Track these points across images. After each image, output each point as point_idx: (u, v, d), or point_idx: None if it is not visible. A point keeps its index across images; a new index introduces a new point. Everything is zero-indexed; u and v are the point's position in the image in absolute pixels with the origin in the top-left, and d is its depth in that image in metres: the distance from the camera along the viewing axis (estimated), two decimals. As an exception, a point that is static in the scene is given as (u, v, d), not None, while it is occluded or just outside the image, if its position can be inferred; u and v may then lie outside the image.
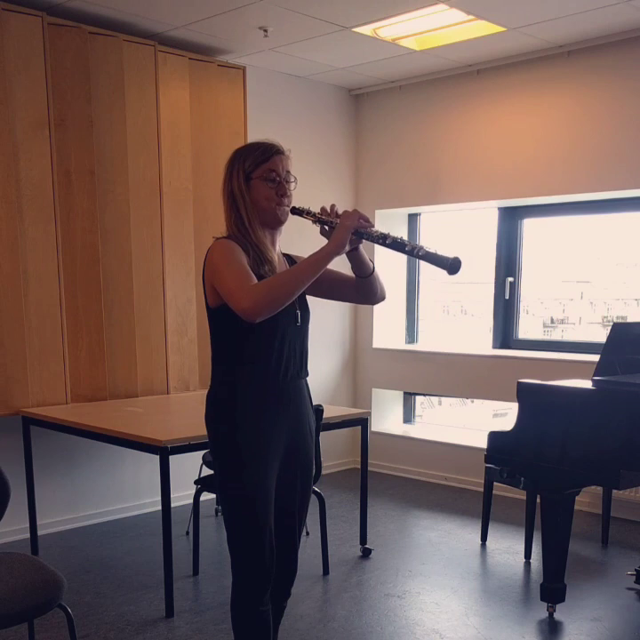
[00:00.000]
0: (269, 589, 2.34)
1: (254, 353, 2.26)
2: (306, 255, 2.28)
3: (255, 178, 2.28)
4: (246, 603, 2.32)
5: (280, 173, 2.29)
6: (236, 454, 2.27)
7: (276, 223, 2.33)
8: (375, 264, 2.42)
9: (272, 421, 2.29)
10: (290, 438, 2.35)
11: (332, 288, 2.47)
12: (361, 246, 2.32)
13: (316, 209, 2.32)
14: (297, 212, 2.33)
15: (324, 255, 2.18)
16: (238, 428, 2.26)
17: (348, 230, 2.18)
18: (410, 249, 2.17)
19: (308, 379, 2.46)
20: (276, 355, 2.28)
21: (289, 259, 2.47)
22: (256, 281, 2.16)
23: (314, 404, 2.52)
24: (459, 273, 2.15)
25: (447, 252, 2.14)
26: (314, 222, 2.31)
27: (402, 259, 6.12)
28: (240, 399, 2.28)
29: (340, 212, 2.29)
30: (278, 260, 2.38)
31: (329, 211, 2.30)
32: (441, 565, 4.02)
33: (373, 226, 2.23)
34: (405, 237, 2.18)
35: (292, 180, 2.33)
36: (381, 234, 2.20)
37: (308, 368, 2.45)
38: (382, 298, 2.50)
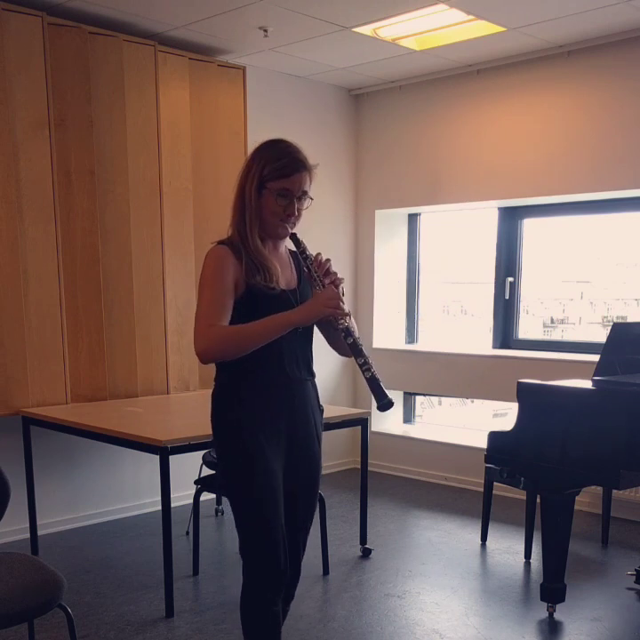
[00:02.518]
0: (283, 589, 2.31)
1: (253, 356, 2.21)
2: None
3: (268, 188, 2.21)
4: (259, 603, 2.28)
5: (294, 193, 2.22)
6: (240, 457, 2.25)
7: (275, 237, 2.30)
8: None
9: (274, 423, 2.27)
10: (292, 442, 2.32)
11: (328, 331, 2.42)
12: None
13: (314, 248, 2.29)
14: (294, 240, 2.27)
15: (286, 324, 2.16)
16: (242, 431, 2.24)
17: (318, 314, 2.17)
18: (361, 362, 2.16)
19: (315, 382, 2.44)
20: (276, 358, 2.25)
21: (297, 257, 2.40)
22: (224, 318, 2.17)
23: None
24: (385, 412, 2.15)
25: (388, 392, 2.15)
26: (302, 263, 2.27)
27: (402, 259, 6.13)
28: (241, 402, 2.26)
29: (331, 269, 2.26)
30: (283, 261, 2.34)
31: (321, 262, 2.25)
32: (441, 565, 4.02)
33: (347, 314, 2.19)
34: (363, 348, 2.20)
35: (307, 198, 2.27)
36: (346, 328, 2.18)
37: (313, 370, 2.42)
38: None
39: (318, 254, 2.28)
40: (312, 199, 2.29)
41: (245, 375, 2.26)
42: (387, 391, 2.15)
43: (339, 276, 2.27)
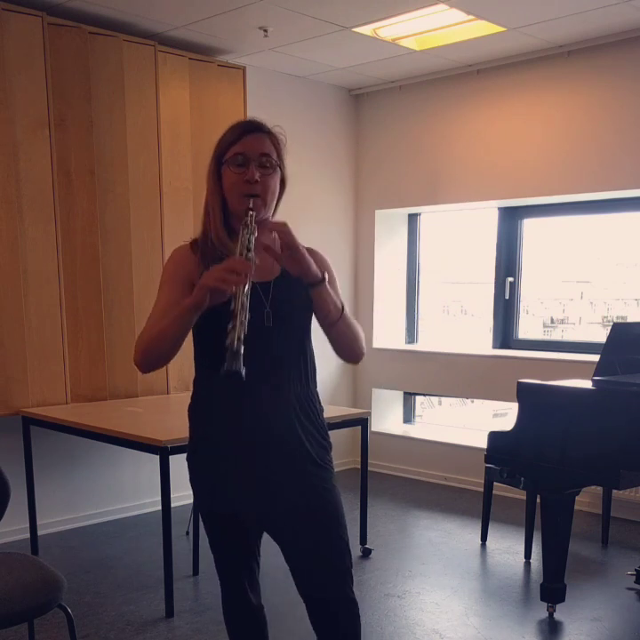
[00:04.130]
0: (246, 591, 2.17)
1: (213, 358, 1.88)
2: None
3: (225, 163, 1.94)
4: (226, 602, 2.23)
5: (249, 156, 1.90)
6: (194, 487, 2.12)
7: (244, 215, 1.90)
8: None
9: (229, 437, 1.99)
10: (265, 460, 1.98)
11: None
12: (326, 283, 1.90)
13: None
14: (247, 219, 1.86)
15: (182, 310, 1.83)
16: (194, 441, 2.08)
17: (201, 288, 1.77)
18: (229, 327, 1.70)
19: (309, 394, 2.07)
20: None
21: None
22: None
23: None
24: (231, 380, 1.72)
25: (240, 362, 1.69)
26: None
27: (402, 258, 6.13)
28: (197, 429, 2.05)
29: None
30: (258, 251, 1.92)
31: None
32: (441, 565, 4.02)
33: (235, 281, 1.72)
34: (244, 327, 1.71)
35: (270, 164, 1.92)
36: (240, 306, 1.72)
37: (299, 380, 2.04)
38: (352, 357, 2.10)
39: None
40: (279, 163, 1.95)
41: (203, 385, 2.06)
42: (235, 361, 1.71)
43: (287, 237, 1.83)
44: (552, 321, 5.58)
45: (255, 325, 1.86)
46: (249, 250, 1.81)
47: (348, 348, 2.09)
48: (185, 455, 2.18)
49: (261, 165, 1.91)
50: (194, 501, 2.20)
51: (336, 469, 2.14)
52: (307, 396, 2.06)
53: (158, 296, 2.00)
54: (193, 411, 2.10)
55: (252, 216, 1.87)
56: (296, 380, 2.04)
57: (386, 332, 6.07)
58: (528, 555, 4.07)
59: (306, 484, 2.00)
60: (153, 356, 1.94)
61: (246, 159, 1.91)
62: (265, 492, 1.99)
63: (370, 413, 4.25)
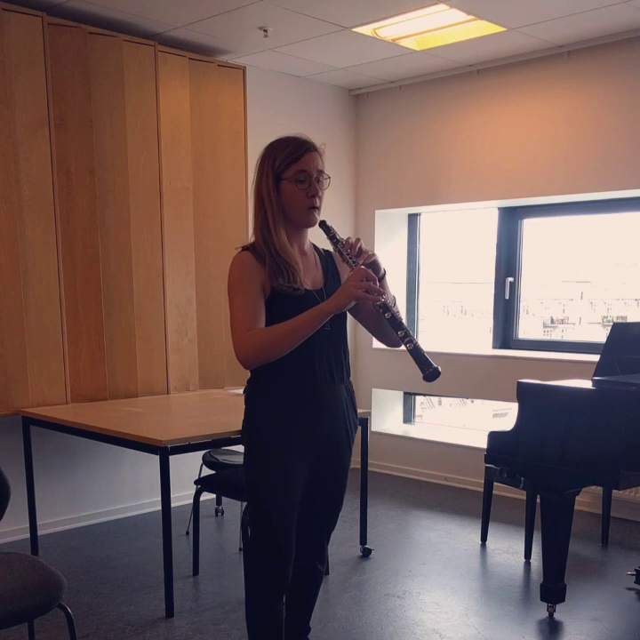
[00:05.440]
0: (285, 589, 2.39)
1: (283, 364, 2.24)
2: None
3: (285, 179, 2.23)
4: (261, 601, 2.37)
5: (311, 173, 2.24)
6: (260, 464, 2.32)
7: (304, 225, 2.31)
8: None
9: (300, 435, 2.31)
10: (322, 445, 2.36)
11: (370, 322, 2.46)
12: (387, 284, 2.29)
13: (343, 235, 2.31)
14: (324, 228, 2.28)
15: (320, 314, 2.16)
16: (266, 439, 2.30)
17: (349, 297, 2.13)
18: (402, 335, 2.16)
19: (351, 381, 2.47)
20: (307, 366, 2.28)
21: (326, 254, 2.45)
22: (259, 321, 2.19)
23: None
24: (432, 382, 2.16)
25: (433, 359, 2.15)
26: (334, 248, 2.29)
27: (401, 258, 6.13)
28: (268, 412, 2.31)
29: (363, 247, 2.24)
30: (308, 261, 2.36)
31: (352, 244, 2.23)
32: (441, 565, 4.02)
33: (379, 292, 2.14)
34: (405, 322, 2.20)
35: (325, 178, 2.28)
36: (383, 304, 2.16)
37: (348, 369, 2.45)
38: (398, 342, 2.41)
39: (348, 238, 2.28)
40: (329, 177, 2.29)
41: (274, 385, 2.29)
42: (431, 360, 2.14)
43: (371, 252, 2.25)
44: (552, 321, 5.58)
45: (319, 330, 2.21)
46: (354, 261, 2.19)
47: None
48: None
49: (317, 181, 2.25)
50: (268, 480, 2.33)
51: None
52: (350, 388, 2.47)
53: (239, 300, 2.22)
54: (260, 409, 2.33)
55: (332, 229, 2.28)
56: (347, 375, 2.43)
57: (386, 331, 6.06)
58: (528, 555, 4.07)
59: (343, 467, 2.47)
60: (272, 354, 2.19)
61: (308, 176, 2.23)
62: (319, 475, 2.38)
63: (370, 413, 4.25)
